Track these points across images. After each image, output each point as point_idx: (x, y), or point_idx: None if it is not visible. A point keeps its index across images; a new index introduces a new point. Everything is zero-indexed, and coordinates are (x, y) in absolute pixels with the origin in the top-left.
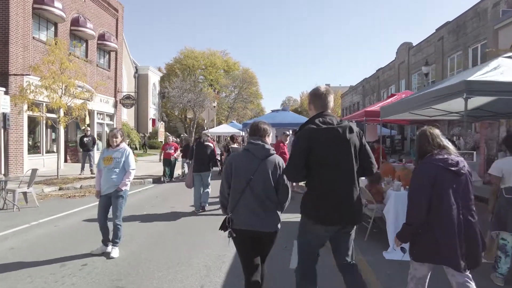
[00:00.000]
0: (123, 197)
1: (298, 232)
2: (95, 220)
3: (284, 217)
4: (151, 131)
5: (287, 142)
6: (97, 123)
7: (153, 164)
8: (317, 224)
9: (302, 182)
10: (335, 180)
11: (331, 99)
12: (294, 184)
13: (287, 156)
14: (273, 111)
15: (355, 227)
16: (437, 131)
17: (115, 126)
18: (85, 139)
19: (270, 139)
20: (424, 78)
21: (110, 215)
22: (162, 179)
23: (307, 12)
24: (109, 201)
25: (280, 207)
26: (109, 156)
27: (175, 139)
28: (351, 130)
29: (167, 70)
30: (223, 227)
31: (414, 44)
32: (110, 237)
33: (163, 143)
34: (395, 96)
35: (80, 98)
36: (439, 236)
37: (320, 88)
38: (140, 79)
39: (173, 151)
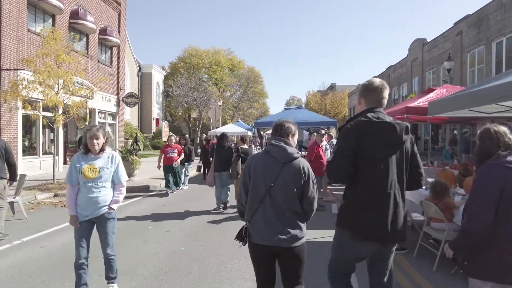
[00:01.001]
0: (114, 218)
1: (332, 246)
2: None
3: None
4: (154, 131)
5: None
6: (99, 122)
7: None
8: (357, 239)
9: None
10: (382, 188)
11: (386, 94)
12: (322, 189)
13: (324, 161)
14: (286, 109)
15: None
16: (503, 129)
17: (117, 125)
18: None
19: (295, 140)
20: (447, 73)
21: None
22: (166, 191)
23: (312, 10)
24: (92, 227)
25: (303, 218)
26: (91, 166)
27: (177, 139)
28: (407, 131)
29: (171, 69)
30: (239, 237)
31: (428, 40)
32: (92, 278)
33: (166, 143)
34: (435, 92)
35: (79, 95)
36: (508, 251)
37: (375, 81)
38: (144, 78)
39: (176, 155)
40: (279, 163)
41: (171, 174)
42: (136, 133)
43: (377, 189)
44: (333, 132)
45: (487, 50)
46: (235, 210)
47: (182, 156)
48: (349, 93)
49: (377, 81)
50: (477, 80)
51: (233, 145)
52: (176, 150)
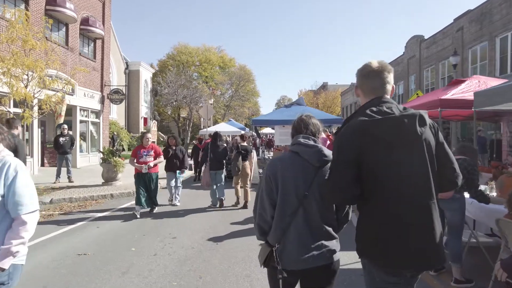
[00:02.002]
0: (6, 284)
1: (364, 279)
2: (61, 259)
3: None
4: (142, 130)
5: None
6: (80, 120)
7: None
8: (386, 268)
9: None
10: (404, 200)
11: (390, 78)
12: None
13: None
14: (286, 106)
15: None
16: None
17: (101, 124)
18: (60, 139)
19: (321, 141)
20: (453, 69)
21: None
22: (134, 212)
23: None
24: None
25: (336, 229)
26: None
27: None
28: (422, 121)
29: (159, 67)
30: (268, 264)
31: (426, 37)
32: None
33: (139, 144)
34: (466, 83)
35: (53, 89)
36: None
37: (372, 63)
38: (131, 76)
39: (152, 158)
40: (312, 166)
41: (142, 186)
42: (113, 132)
43: (396, 200)
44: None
45: (491, 46)
46: (231, 209)
47: (160, 160)
48: (342, 92)
49: (375, 62)
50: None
51: (225, 144)
52: (152, 152)
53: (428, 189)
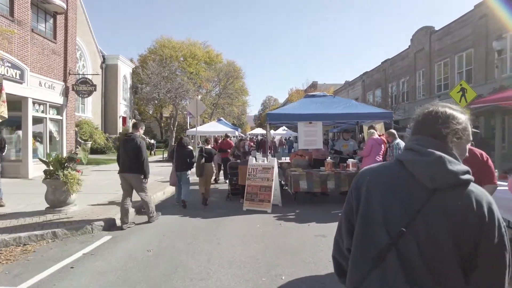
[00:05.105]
0: None
1: None
2: None
3: None
4: (121, 131)
5: None
6: (34, 117)
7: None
8: None
9: None
10: None
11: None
12: None
13: None
14: (308, 95)
15: None
16: None
17: (64, 122)
18: None
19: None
20: (496, 56)
21: None
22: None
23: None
24: None
25: None
26: None
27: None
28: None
29: (140, 62)
30: None
31: (437, 28)
32: None
33: None
34: None
35: None
36: None
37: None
38: (108, 70)
39: None
40: (423, 187)
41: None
42: (79, 136)
43: None
44: (380, 127)
45: None
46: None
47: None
48: (334, 91)
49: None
50: (510, 71)
51: (190, 147)
52: None
53: None
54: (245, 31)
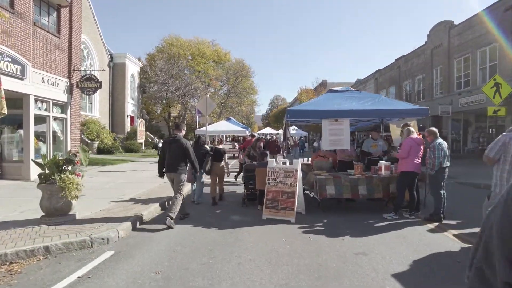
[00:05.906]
0: None
1: None
2: None
3: None
4: (128, 130)
5: None
6: (36, 115)
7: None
8: None
9: None
10: None
11: None
12: None
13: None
14: (331, 90)
15: None
16: None
17: (68, 121)
18: None
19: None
20: None
21: None
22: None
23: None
24: None
25: None
26: None
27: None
28: None
29: (148, 61)
30: None
31: (456, 23)
32: None
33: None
34: None
35: None
36: None
37: None
38: (116, 69)
39: None
40: None
41: None
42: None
43: None
44: (413, 125)
45: None
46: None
47: None
48: None
49: None
50: None
51: (207, 147)
52: None
53: None
54: (253, 30)
